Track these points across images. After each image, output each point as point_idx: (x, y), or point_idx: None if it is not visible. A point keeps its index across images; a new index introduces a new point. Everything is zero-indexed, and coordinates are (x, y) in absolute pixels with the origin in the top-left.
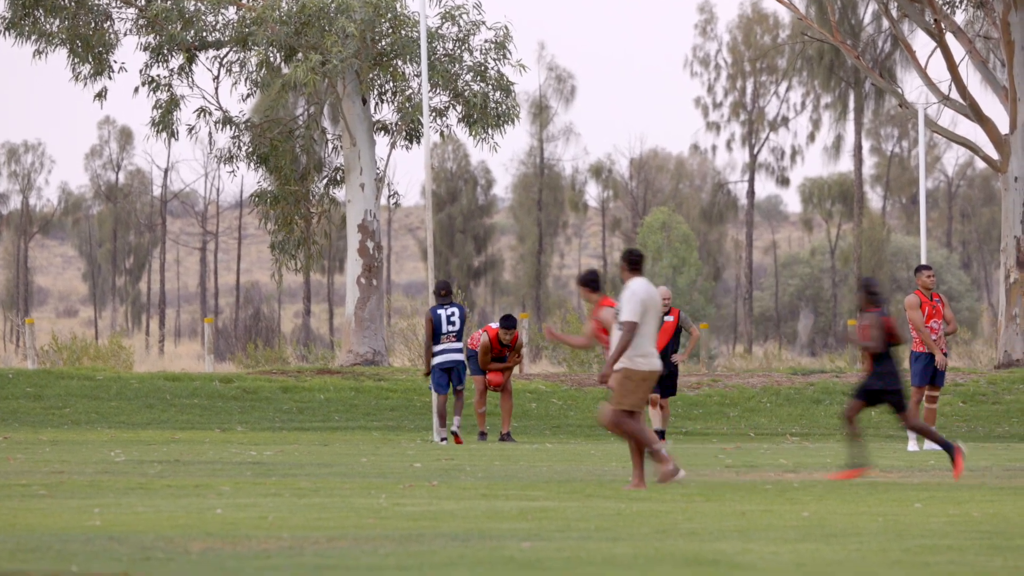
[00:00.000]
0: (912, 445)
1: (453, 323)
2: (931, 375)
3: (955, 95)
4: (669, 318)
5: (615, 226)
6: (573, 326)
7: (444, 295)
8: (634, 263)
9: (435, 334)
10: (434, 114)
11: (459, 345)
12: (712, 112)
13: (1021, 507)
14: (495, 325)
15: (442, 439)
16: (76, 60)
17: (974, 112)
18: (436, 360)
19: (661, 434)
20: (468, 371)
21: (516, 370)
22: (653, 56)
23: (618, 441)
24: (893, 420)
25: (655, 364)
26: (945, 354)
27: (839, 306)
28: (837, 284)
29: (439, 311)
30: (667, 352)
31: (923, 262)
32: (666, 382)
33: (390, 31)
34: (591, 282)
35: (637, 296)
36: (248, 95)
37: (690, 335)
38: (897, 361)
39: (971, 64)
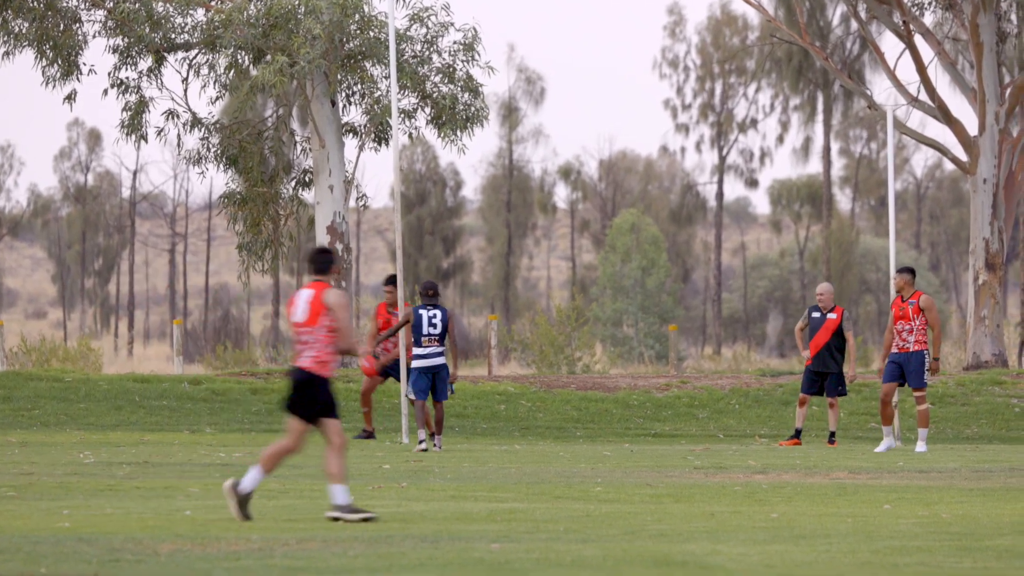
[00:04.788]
0: (882, 446)
1: (435, 325)
2: (898, 375)
3: (924, 97)
4: (832, 316)
5: (584, 228)
6: (542, 328)
7: (431, 295)
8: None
9: (415, 335)
10: (403, 116)
11: (440, 349)
12: (681, 114)
13: (990, 508)
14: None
15: (420, 442)
16: (45, 62)
17: (943, 114)
18: (416, 363)
19: (831, 435)
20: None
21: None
22: (622, 58)
23: (588, 443)
24: (861, 421)
25: None
26: (936, 359)
27: (807, 308)
28: (806, 286)
29: (421, 311)
30: (829, 349)
31: (892, 264)
32: (831, 381)
33: (358, 32)
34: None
35: None
36: (217, 97)
37: (846, 340)
38: None
39: (940, 66)
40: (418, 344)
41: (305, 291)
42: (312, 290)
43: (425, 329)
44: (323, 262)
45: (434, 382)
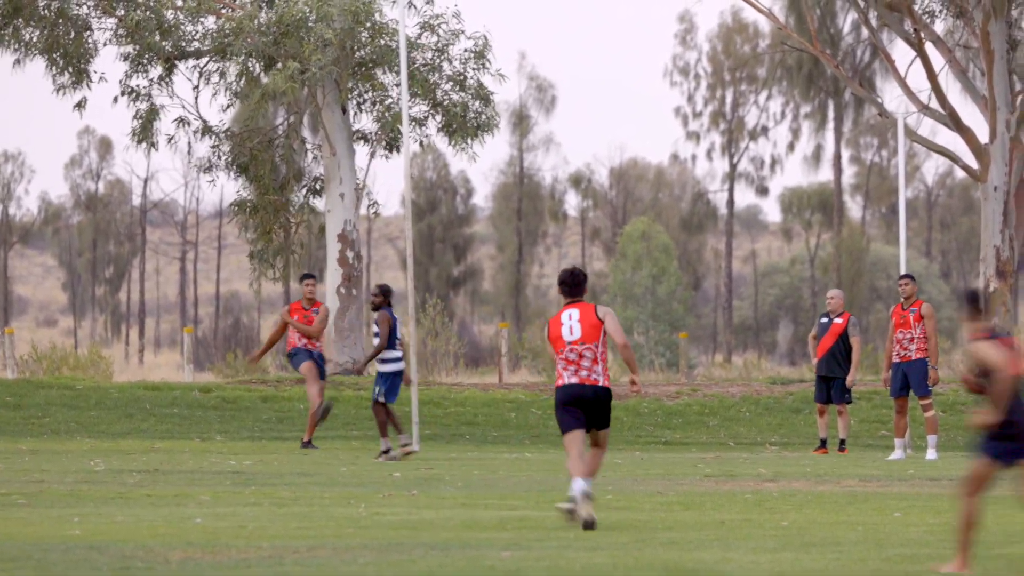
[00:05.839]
0: (894, 456)
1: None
2: (900, 385)
3: (935, 104)
4: (838, 320)
5: (595, 235)
6: None
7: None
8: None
9: (392, 339)
10: (413, 123)
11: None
12: (692, 121)
13: (1001, 517)
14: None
15: (405, 444)
16: (55, 70)
17: (953, 122)
18: (391, 367)
19: (842, 443)
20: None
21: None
22: (633, 65)
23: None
24: (872, 429)
25: None
26: (935, 368)
27: (818, 315)
28: (816, 294)
29: (395, 315)
30: (834, 354)
31: (902, 272)
32: (837, 388)
33: (369, 40)
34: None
35: None
36: (228, 105)
37: (852, 346)
38: None
39: (951, 74)
40: (393, 347)
41: (572, 311)
42: (578, 309)
43: (399, 331)
44: (578, 284)
45: (394, 384)
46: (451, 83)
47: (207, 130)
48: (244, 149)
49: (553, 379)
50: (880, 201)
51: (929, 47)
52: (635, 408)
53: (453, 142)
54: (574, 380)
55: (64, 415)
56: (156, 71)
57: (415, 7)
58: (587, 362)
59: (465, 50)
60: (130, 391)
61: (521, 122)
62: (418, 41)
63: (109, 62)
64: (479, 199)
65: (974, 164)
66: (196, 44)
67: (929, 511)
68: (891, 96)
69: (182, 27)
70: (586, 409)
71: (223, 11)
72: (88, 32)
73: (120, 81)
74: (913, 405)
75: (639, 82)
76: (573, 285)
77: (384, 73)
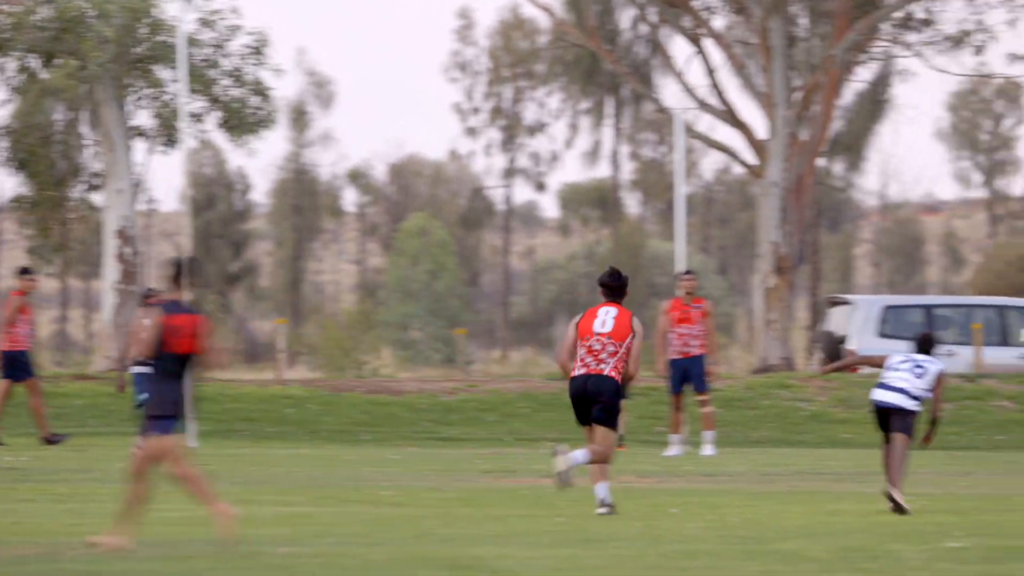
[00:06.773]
0: (672, 451)
1: None
2: (679, 382)
3: (713, 100)
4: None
5: (372, 231)
6: (330, 331)
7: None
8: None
9: None
10: (192, 119)
11: None
12: (471, 118)
13: (776, 512)
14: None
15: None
16: None
17: (732, 117)
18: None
19: (620, 439)
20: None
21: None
22: (412, 62)
23: (376, 447)
24: (648, 425)
25: None
26: (695, 359)
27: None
28: (594, 290)
29: None
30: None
31: (681, 267)
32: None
33: (148, 36)
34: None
35: None
36: (6, 100)
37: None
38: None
39: (730, 69)
40: None
41: (609, 308)
42: (617, 309)
43: None
44: (620, 287)
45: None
46: (229, 79)
47: None
48: (22, 145)
49: (331, 375)
50: (658, 197)
51: (708, 43)
52: (412, 404)
53: (231, 137)
54: (582, 371)
55: None
56: None
57: (192, 2)
58: (605, 355)
59: (243, 46)
60: None
61: (299, 118)
62: (196, 37)
63: None
64: (258, 195)
65: (752, 160)
66: None
67: (706, 507)
68: (670, 92)
69: None
70: (589, 400)
71: (3, 7)
72: None
73: None
74: (690, 401)
75: (418, 78)
76: (615, 288)
77: (163, 69)
